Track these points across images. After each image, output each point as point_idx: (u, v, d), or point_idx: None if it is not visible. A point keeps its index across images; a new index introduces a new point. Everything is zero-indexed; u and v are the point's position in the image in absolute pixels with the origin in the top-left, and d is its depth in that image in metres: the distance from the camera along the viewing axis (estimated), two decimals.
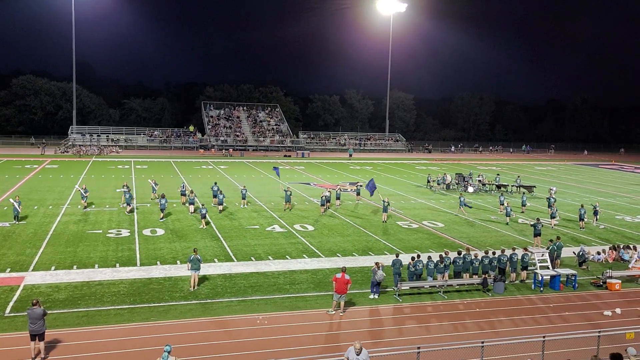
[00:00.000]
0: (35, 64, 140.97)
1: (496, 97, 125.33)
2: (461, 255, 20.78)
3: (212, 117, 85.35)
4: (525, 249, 22.25)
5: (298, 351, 14.36)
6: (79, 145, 69.60)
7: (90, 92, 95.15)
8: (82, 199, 31.54)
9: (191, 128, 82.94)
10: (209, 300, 17.79)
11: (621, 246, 25.23)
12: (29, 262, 21.02)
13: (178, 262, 21.67)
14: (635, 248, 24.77)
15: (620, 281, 20.67)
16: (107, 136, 76.18)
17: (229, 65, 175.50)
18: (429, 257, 20.33)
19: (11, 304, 16.86)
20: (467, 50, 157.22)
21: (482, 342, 13.21)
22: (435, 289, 19.62)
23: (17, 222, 27.14)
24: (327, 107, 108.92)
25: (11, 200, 28.52)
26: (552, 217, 30.83)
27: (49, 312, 15.17)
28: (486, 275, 20.15)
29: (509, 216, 31.01)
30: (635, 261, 22.55)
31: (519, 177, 46.39)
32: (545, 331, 15.80)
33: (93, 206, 32.08)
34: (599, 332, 14.24)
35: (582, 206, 31.52)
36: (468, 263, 20.59)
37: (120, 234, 25.77)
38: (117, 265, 21.10)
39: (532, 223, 26.81)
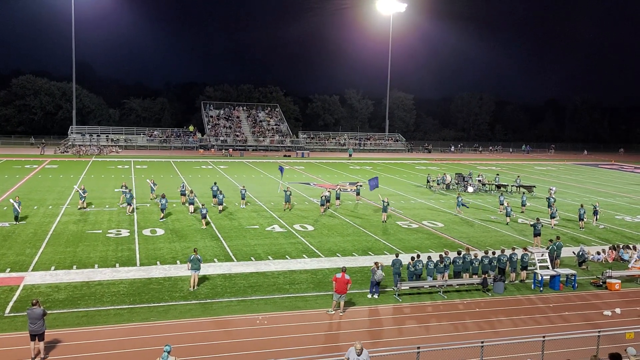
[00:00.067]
0: (35, 63, 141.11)
1: (496, 97, 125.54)
2: (461, 255, 20.78)
3: (211, 117, 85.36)
4: (525, 249, 22.25)
5: (298, 351, 14.36)
6: (79, 145, 69.58)
7: (90, 92, 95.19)
8: (80, 199, 31.53)
9: (191, 128, 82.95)
10: (209, 300, 17.79)
11: (621, 246, 25.24)
12: (28, 262, 21.02)
13: (178, 262, 21.67)
14: (634, 248, 24.79)
15: (620, 281, 20.67)
16: (107, 136, 76.17)
17: (229, 65, 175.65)
18: (429, 257, 20.33)
19: (11, 304, 16.86)
20: (467, 50, 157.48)
21: (482, 342, 13.21)
22: (435, 288, 19.62)
23: (17, 223, 27.11)
24: (327, 107, 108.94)
25: (11, 200, 28.51)
26: (552, 217, 30.84)
27: (48, 312, 15.17)
28: (486, 275, 20.15)
29: (509, 216, 31.01)
30: (635, 261, 22.55)
31: (518, 177, 46.40)
32: (545, 331, 15.80)
33: (93, 206, 32.08)
34: (599, 332, 14.24)
35: (581, 206, 31.53)
36: (468, 263, 20.59)
37: (120, 234, 25.76)
38: (117, 265, 21.09)
39: (532, 223, 26.81)
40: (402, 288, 18.99)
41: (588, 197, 42.44)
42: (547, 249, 22.54)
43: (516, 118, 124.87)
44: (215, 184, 35.00)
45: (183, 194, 33.69)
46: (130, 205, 30.56)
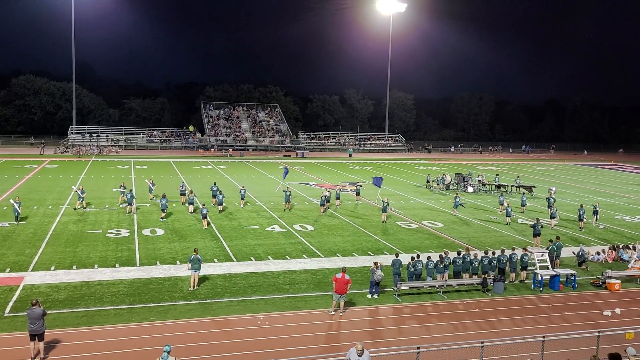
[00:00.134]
0: (35, 63, 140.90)
1: (496, 97, 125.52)
2: (461, 255, 20.77)
3: (211, 117, 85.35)
4: (525, 249, 22.25)
5: (298, 351, 14.36)
6: (79, 145, 69.57)
7: (90, 92, 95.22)
8: (78, 200, 31.51)
9: (191, 128, 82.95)
10: (209, 300, 17.79)
11: (620, 246, 25.24)
12: (28, 262, 21.01)
13: (178, 262, 21.67)
14: (634, 248, 24.79)
15: (619, 281, 20.67)
16: (107, 136, 76.17)
17: (228, 65, 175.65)
18: (429, 257, 20.33)
19: (11, 304, 16.86)
20: (467, 50, 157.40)
21: (482, 342, 13.21)
22: (435, 289, 19.62)
23: (17, 223, 27.10)
24: (326, 107, 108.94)
25: (11, 201, 28.50)
26: (552, 217, 30.84)
27: (48, 312, 15.17)
28: (486, 275, 20.15)
29: (509, 216, 30.99)
30: (635, 261, 22.56)
31: (518, 177, 46.40)
32: (544, 331, 15.80)
33: (92, 206, 32.07)
34: (599, 332, 14.24)
35: (581, 206, 31.54)
36: (468, 263, 20.59)
37: (120, 234, 25.76)
38: (117, 265, 21.09)
39: (532, 224, 26.81)
40: (402, 288, 18.99)
41: (588, 197, 42.45)
42: (546, 249, 22.54)
43: (516, 118, 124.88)
44: (215, 184, 35.00)
45: (183, 194, 33.70)
46: (131, 205, 30.55)
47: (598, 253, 24.52)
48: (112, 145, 72.68)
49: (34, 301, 13.91)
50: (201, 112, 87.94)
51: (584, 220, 30.60)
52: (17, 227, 26.55)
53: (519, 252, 21.62)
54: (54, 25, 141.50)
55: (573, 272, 20.92)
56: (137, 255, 22.40)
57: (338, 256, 23.44)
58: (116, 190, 35.42)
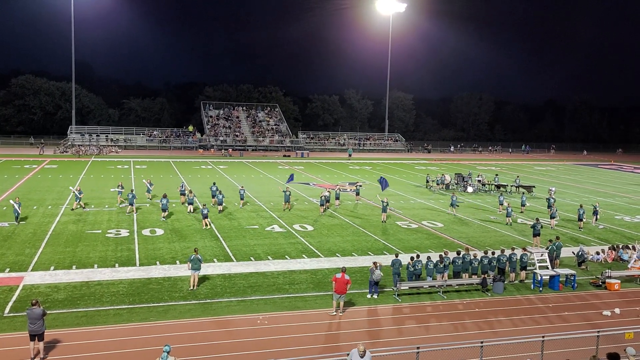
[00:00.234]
0: (35, 63, 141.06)
1: (496, 97, 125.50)
2: (460, 255, 20.77)
3: (211, 117, 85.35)
4: (524, 249, 22.26)
5: (298, 351, 14.36)
6: (78, 145, 69.54)
7: (90, 92, 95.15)
8: (75, 200, 31.49)
9: (190, 128, 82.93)
10: (209, 300, 17.79)
11: (620, 246, 25.25)
12: (28, 262, 21.01)
13: (177, 262, 21.67)
14: (634, 248, 24.80)
15: (619, 281, 20.68)
16: (107, 136, 76.14)
17: (228, 65, 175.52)
18: (428, 257, 20.33)
19: (10, 304, 16.86)
20: (467, 50, 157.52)
21: (482, 342, 13.22)
22: (434, 289, 19.63)
23: (17, 223, 27.07)
24: (326, 107, 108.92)
25: (11, 201, 28.48)
26: (552, 217, 30.85)
27: (48, 312, 15.16)
28: (485, 275, 20.15)
29: (510, 216, 30.98)
30: (635, 261, 22.57)
31: (518, 177, 46.42)
32: (544, 331, 15.81)
33: (92, 206, 32.07)
34: (598, 332, 14.25)
35: (581, 206, 31.56)
36: (467, 263, 20.60)
37: (120, 234, 25.76)
38: (117, 265, 21.09)
39: (531, 224, 26.82)
40: (402, 288, 18.99)
41: (587, 197, 42.47)
42: (546, 249, 22.56)
43: (516, 118, 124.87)
44: (214, 184, 34.97)
45: (183, 194, 33.69)
46: (132, 205, 30.54)
47: (598, 253, 24.53)
48: (111, 145, 72.66)
49: (33, 301, 13.91)
50: (201, 112, 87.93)
51: (584, 220, 30.61)
52: (17, 227, 26.54)
53: (518, 252, 21.62)
54: (54, 25, 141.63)
55: (573, 272, 20.93)
56: (137, 255, 22.40)
57: (338, 256, 23.44)
58: (114, 190, 35.40)
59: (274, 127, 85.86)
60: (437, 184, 44.87)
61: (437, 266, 20.01)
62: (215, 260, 22.18)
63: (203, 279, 19.59)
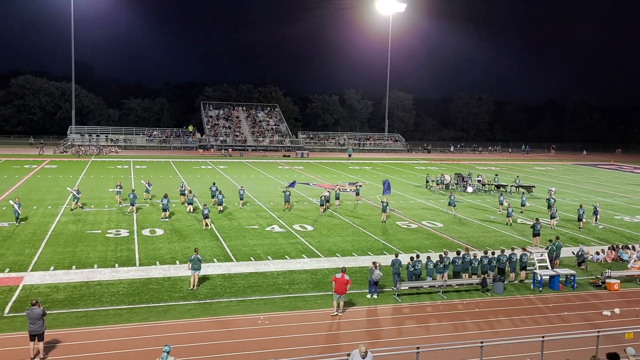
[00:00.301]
0: (34, 63, 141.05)
1: (495, 97, 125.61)
2: (460, 255, 20.78)
3: (211, 117, 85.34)
4: (524, 249, 22.28)
5: (298, 351, 14.36)
6: (78, 146, 69.55)
7: (90, 92, 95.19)
8: (74, 200, 31.48)
9: (190, 128, 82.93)
10: (208, 300, 17.79)
11: (620, 246, 25.26)
12: (28, 262, 21.01)
13: (177, 262, 21.66)
14: (634, 248, 24.81)
15: (619, 281, 20.69)
16: (106, 136, 76.16)
17: (228, 65, 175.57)
18: (428, 257, 20.33)
19: (10, 304, 16.85)
20: (467, 50, 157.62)
21: (482, 342, 13.22)
22: (434, 289, 19.63)
23: (17, 224, 27.05)
24: (326, 107, 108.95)
25: (11, 202, 28.47)
26: (552, 217, 30.85)
27: (48, 312, 15.16)
28: (485, 275, 20.15)
29: (510, 217, 30.96)
30: (634, 261, 22.57)
31: (518, 177, 46.42)
32: (544, 331, 15.81)
33: (92, 206, 32.07)
34: (598, 332, 14.25)
35: (580, 206, 31.56)
36: (467, 263, 20.60)
37: (120, 234, 25.75)
38: (116, 265, 21.09)
39: (531, 224, 26.82)
40: (402, 288, 18.99)
41: (587, 197, 42.48)
42: (546, 249, 22.56)
43: (515, 118, 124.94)
44: (214, 184, 34.95)
45: (182, 194, 33.69)
46: (133, 206, 30.53)
47: (597, 253, 24.54)
48: (111, 145, 72.65)
49: (33, 301, 13.91)
50: (201, 112, 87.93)
51: (584, 220, 30.62)
52: (17, 227, 26.53)
53: (518, 252, 21.63)
54: (54, 25, 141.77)
55: (572, 272, 20.94)
56: (137, 256, 22.39)
57: (337, 256, 23.45)
58: (112, 190, 35.38)
59: (274, 127, 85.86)
60: (437, 184, 44.88)
61: (437, 266, 20.01)
62: (215, 260, 22.18)
63: (203, 279, 19.60)
